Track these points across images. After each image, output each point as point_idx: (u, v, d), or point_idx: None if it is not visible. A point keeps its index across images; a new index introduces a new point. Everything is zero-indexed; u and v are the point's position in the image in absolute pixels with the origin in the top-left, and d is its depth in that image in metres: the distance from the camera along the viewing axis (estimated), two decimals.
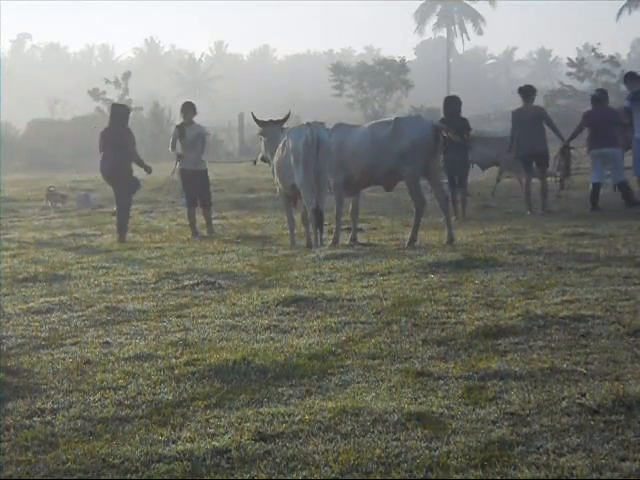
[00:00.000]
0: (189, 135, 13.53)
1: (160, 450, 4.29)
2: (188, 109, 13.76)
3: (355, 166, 11.44)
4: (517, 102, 15.09)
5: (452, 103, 14.54)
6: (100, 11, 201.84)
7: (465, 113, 14.96)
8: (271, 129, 12.00)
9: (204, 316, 7.25)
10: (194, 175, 13.52)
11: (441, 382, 5.25)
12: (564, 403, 4.76)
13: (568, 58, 59.71)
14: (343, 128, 11.78)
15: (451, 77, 79.15)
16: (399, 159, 11.14)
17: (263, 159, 12.46)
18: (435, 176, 11.38)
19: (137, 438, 4.48)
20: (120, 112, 13.61)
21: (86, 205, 19.62)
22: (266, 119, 12.31)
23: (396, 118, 11.75)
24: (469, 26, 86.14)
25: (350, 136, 11.56)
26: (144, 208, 17.83)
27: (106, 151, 13.12)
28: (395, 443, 4.30)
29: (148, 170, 13.33)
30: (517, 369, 5.40)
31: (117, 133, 13.14)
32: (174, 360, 5.85)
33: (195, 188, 13.57)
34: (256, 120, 12.17)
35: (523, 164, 14.71)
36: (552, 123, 14.51)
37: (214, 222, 14.15)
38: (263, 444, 4.33)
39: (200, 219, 13.72)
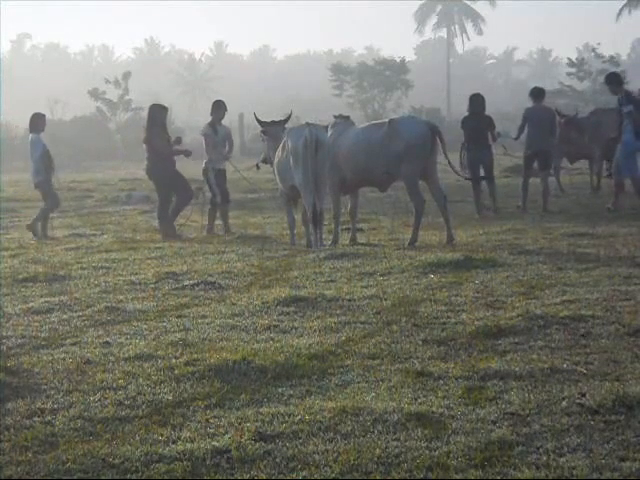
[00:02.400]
0: (221, 134, 13.54)
1: (160, 450, 4.29)
2: (221, 107, 13.69)
3: (349, 167, 11.41)
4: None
5: (477, 101, 14.68)
6: (100, 11, 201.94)
7: (466, 113, 15.01)
8: (273, 129, 11.99)
9: (204, 316, 7.25)
10: (224, 173, 13.60)
11: (441, 382, 5.25)
12: (564, 403, 4.76)
13: (568, 58, 59.67)
14: (340, 127, 11.77)
15: (451, 77, 79.11)
16: (395, 160, 11.12)
17: (265, 160, 12.43)
18: (433, 176, 11.35)
19: (137, 438, 4.48)
20: (150, 113, 13.59)
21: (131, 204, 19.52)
22: (268, 119, 12.30)
23: (390, 119, 11.74)
24: (469, 26, 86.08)
25: (344, 136, 11.54)
26: (144, 208, 17.82)
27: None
28: (395, 443, 4.30)
29: (187, 154, 13.43)
30: (517, 369, 5.40)
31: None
32: (174, 360, 5.86)
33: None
34: (258, 121, 12.14)
35: (525, 162, 15.04)
36: (555, 127, 15.07)
37: (215, 222, 14.14)
38: (263, 444, 4.33)
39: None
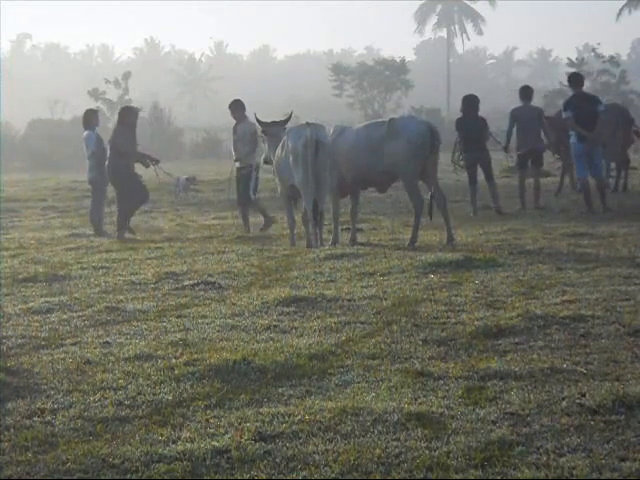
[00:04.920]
0: (239, 133, 13.64)
1: (160, 450, 4.29)
2: (236, 107, 13.84)
3: (349, 165, 11.38)
4: (518, 102, 15.64)
5: (470, 102, 14.70)
6: (100, 11, 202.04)
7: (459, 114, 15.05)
8: (274, 130, 11.97)
9: (204, 316, 7.25)
10: (243, 172, 13.66)
11: (441, 382, 5.25)
12: (564, 403, 4.76)
13: (568, 58, 59.76)
14: (340, 130, 11.77)
15: (451, 77, 79.10)
16: (395, 159, 11.11)
17: (266, 161, 12.43)
18: (432, 177, 11.34)
19: (137, 438, 4.48)
20: (119, 115, 13.61)
21: (181, 190, 19.64)
22: (268, 120, 12.29)
23: (391, 118, 11.73)
24: (469, 26, 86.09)
25: (344, 135, 11.53)
26: (143, 208, 17.81)
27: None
28: (395, 443, 4.30)
29: (153, 162, 13.48)
30: (517, 369, 5.40)
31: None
32: (174, 360, 5.85)
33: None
34: (259, 121, 12.13)
35: (519, 162, 15.31)
36: (545, 126, 15.20)
37: (215, 222, 14.14)
38: (263, 444, 4.33)
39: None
